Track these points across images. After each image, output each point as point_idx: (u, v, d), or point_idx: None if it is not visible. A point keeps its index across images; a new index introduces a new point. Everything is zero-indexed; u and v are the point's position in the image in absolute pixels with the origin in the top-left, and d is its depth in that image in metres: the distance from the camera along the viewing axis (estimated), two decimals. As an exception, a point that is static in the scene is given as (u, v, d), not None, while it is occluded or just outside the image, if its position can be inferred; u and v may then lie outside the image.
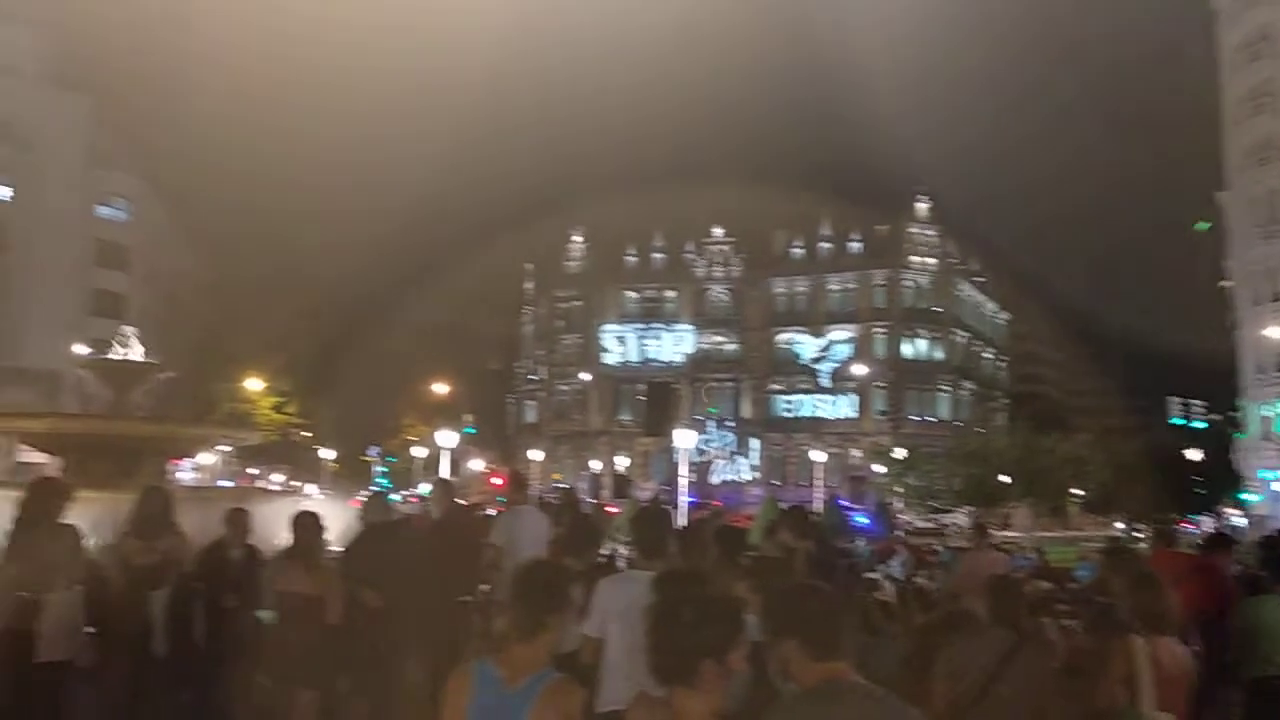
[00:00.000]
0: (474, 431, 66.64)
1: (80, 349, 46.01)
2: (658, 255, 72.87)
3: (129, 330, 13.08)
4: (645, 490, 49.76)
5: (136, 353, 12.95)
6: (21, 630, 5.78)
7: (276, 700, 6.66)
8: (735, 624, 2.92)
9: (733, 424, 68.43)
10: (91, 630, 6.28)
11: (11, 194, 57.28)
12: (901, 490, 49.77)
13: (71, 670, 6.06)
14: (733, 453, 67.65)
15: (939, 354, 67.91)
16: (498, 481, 48.70)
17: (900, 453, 53.14)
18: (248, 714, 6.69)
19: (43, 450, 14.85)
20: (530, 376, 76.65)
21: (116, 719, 6.80)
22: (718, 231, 72.00)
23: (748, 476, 66.21)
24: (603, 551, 8.96)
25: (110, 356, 13.21)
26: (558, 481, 53.45)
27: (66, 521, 6.10)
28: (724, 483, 62.98)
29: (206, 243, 67.35)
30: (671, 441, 36.68)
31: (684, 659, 2.82)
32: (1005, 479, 45.71)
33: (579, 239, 74.19)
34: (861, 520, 26.74)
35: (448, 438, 30.06)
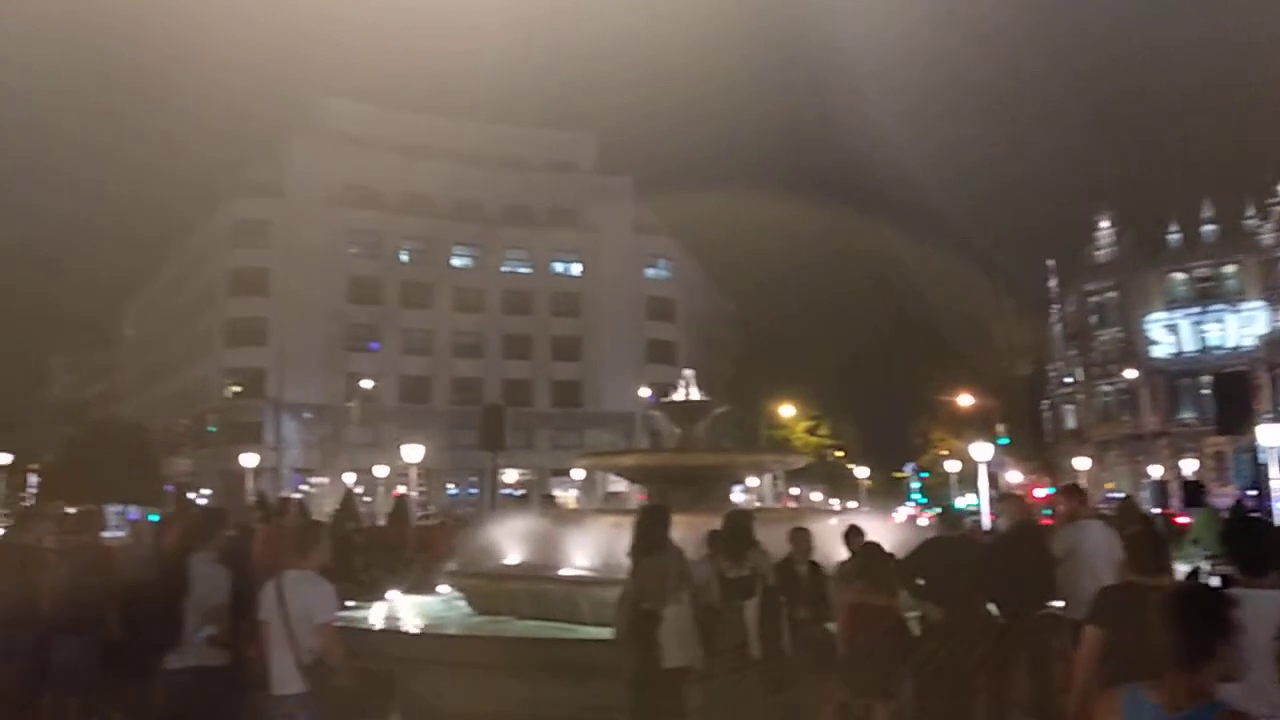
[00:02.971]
0: (1007, 442, 63.48)
1: (643, 392, 53.28)
2: (1208, 227, 63.24)
3: (688, 373, 14.96)
4: (1223, 497, 43.14)
5: (695, 392, 14.77)
6: (648, 640, 6.91)
7: (855, 709, 7.10)
8: None
9: (1337, 412, 56.32)
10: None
11: (581, 269, 68.67)
12: None
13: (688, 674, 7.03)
14: (1343, 448, 55.60)
15: None
16: (1040, 494, 45.78)
17: None
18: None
19: (630, 481, 17.51)
20: (1065, 379, 71.02)
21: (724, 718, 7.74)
22: (1287, 187, 60.42)
23: (1368, 476, 53.84)
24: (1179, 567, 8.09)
25: (674, 398, 15.22)
26: (1112, 491, 48.58)
27: (671, 542, 7.21)
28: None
29: (735, 284, 73.73)
30: (1254, 439, 31.42)
31: None
32: None
33: (1106, 224, 67.41)
34: None
35: (982, 450, 29.01)
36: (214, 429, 61.49)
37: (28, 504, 42.91)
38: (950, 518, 8.45)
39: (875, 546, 7.38)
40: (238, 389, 61.62)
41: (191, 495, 47.59)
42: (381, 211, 63.69)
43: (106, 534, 13.47)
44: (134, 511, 44.46)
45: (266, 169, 62.31)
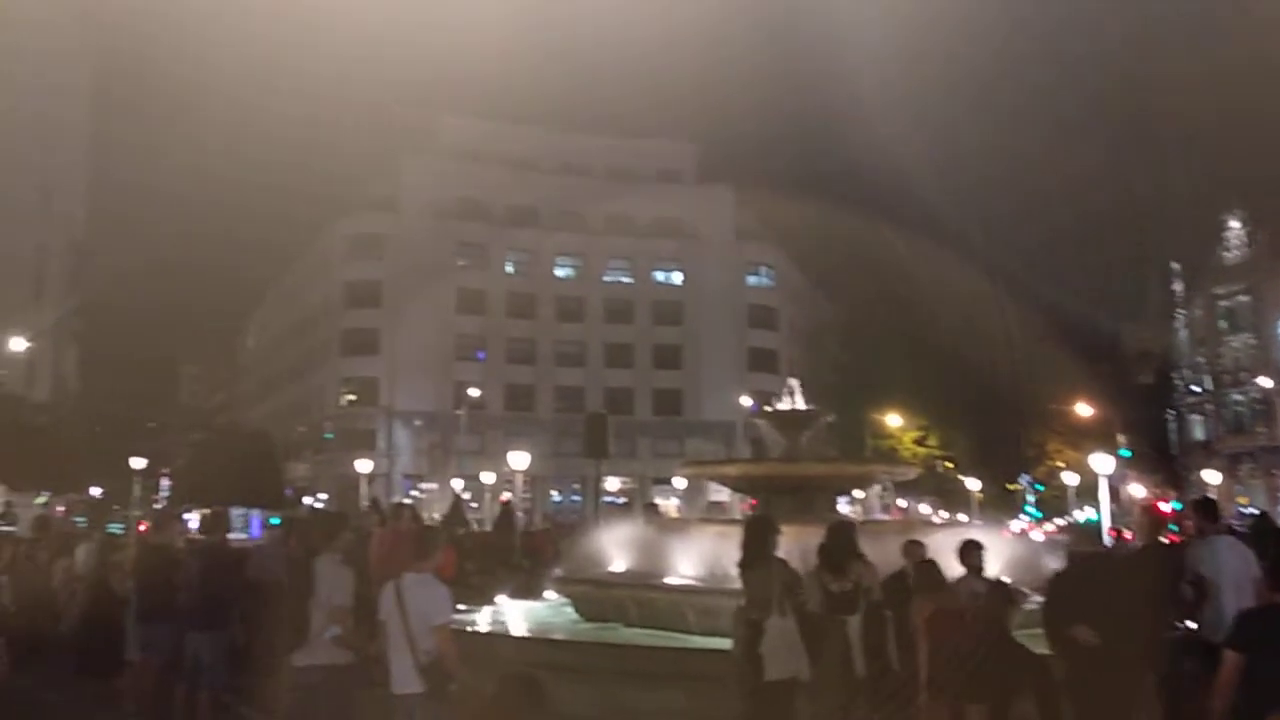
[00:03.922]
0: (1129, 454, 60.62)
1: (744, 401, 52.96)
2: (1351, 224, 59.30)
3: (793, 382, 14.80)
4: (1372, 515, 40.18)
5: (800, 401, 14.60)
6: (750, 653, 6.88)
7: (953, 714, 6.97)
8: None
9: None
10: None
11: (682, 278, 68.78)
12: None
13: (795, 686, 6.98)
14: None
15: None
16: (1166, 508, 43.58)
17: None
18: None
19: (734, 490, 17.43)
20: (1191, 388, 67.48)
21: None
22: None
23: None
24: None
25: (779, 407, 15.06)
26: (1245, 506, 45.92)
27: (777, 555, 7.15)
28: None
29: (838, 291, 72.49)
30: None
31: None
32: None
33: (1236, 224, 63.84)
34: None
35: (1103, 462, 27.76)
36: (330, 436, 63.86)
37: (161, 506, 45.35)
38: (1086, 532, 8.09)
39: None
40: (352, 397, 63.87)
41: (309, 500, 49.50)
42: (489, 224, 65.19)
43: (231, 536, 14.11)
44: (256, 515, 46.48)
45: (381, 184, 64.51)
